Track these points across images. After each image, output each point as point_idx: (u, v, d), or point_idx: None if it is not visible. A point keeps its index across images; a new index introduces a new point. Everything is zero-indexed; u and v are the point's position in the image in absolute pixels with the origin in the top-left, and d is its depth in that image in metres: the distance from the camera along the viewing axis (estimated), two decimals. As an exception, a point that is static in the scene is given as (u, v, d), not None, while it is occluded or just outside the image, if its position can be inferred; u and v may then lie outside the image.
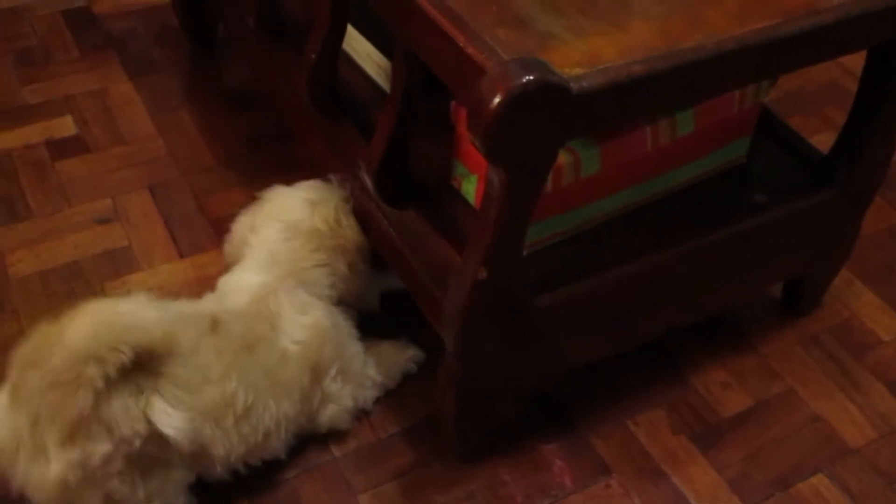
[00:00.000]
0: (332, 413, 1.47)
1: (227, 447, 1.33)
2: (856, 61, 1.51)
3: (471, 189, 1.45)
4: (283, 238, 1.49)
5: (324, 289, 1.48)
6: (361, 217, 1.51)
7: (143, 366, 1.22)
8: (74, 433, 1.19)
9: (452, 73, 1.19)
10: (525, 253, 1.31)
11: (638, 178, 1.47)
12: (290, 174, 1.93)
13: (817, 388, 1.65)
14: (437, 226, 1.44)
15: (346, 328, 1.49)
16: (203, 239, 1.83)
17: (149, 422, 1.22)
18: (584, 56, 1.15)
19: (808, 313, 1.75)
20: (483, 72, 1.10)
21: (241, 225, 1.56)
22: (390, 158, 1.42)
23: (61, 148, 1.98)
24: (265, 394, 1.36)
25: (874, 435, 1.59)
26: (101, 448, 1.20)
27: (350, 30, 1.61)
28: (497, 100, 1.07)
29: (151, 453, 1.24)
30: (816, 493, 1.51)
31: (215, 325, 1.35)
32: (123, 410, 1.20)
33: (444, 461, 1.50)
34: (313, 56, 1.52)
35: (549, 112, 1.11)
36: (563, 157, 1.33)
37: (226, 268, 1.54)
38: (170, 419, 1.23)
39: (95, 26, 2.27)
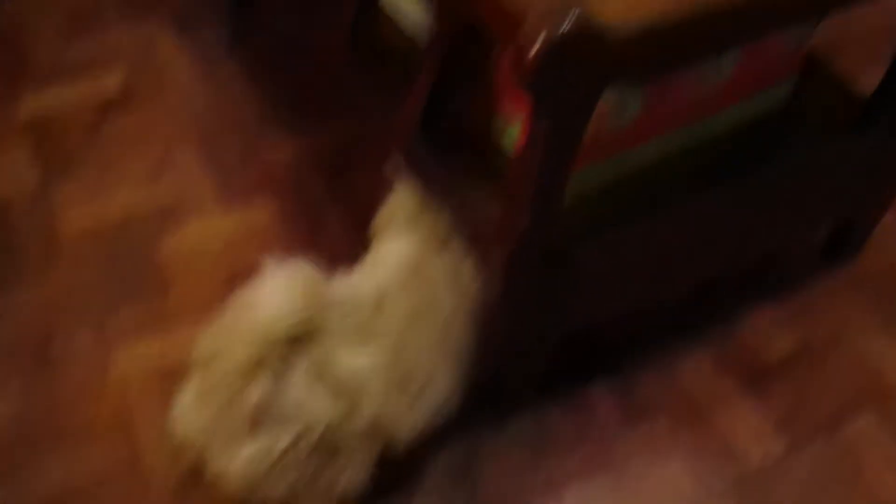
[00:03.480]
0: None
1: (406, 423, 1.35)
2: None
3: (511, 138, 1.46)
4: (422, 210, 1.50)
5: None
6: (407, 165, 1.52)
7: (316, 345, 1.25)
8: (258, 424, 1.23)
9: (494, 21, 1.19)
10: (567, 201, 1.31)
11: (680, 123, 1.46)
12: (337, 126, 1.96)
13: (863, 330, 1.65)
14: (479, 175, 1.44)
15: None
16: (251, 190, 1.85)
17: (329, 407, 1.25)
18: (625, 2, 1.15)
19: (853, 256, 1.74)
20: (524, 18, 1.10)
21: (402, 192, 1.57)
22: (432, 109, 1.42)
23: (109, 105, 2.01)
24: (437, 363, 1.37)
25: (921, 376, 1.59)
26: (285, 439, 1.23)
27: (390, -21, 1.61)
28: (538, 46, 1.07)
29: (334, 439, 1.27)
30: (863, 434, 1.52)
31: (379, 304, 1.35)
32: (303, 400, 1.23)
33: (492, 402, 1.52)
34: (354, 5, 1.52)
35: (590, 58, 1.11)
36: (604, 104, 1.33)
37: (372, 236, 1.54)
38: (356, 365, 1.27)
39: (140, -19, 2.29)
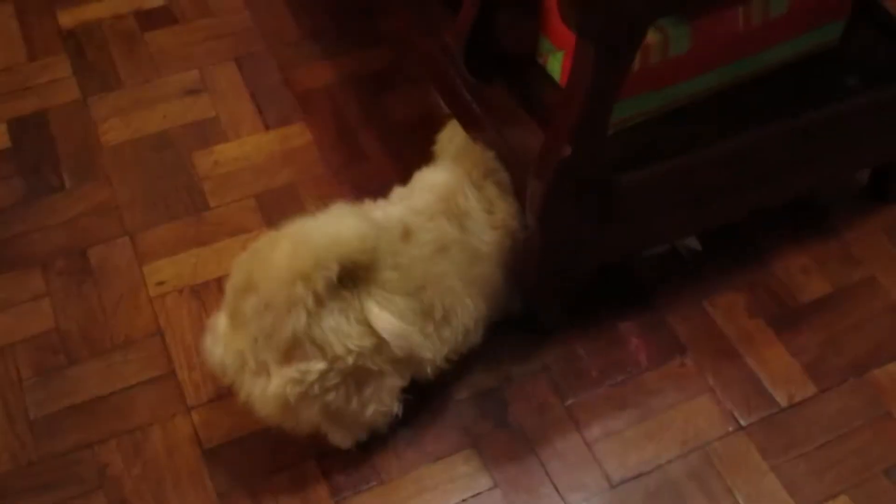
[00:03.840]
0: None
1: (432, 350, 1.36)
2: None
3: (557, 65, 1.45)
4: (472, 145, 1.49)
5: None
6: (446, 91, 1.51)
7: (350, 279, 1.25)
8: (290, 352, 1.24)
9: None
10: (610, 131, 1.31)
11: (728, 58, 1.45)
12: (375, 49, 1.95)
13: (898, 276, 1.64)
14: (522, 102, 1.44)
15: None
16: (288, 111, 1.85)
17: (360, 337, 1.25)
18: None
19: (893, 201, 1.73)
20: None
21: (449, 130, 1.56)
22: (478, 32, 1.41)
23: (150, 18, 2.00)
24: (462, 295, 1.38)
25: (955, 324, 1.59)
26: (317, 366, 1.25)
27: None
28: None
29: (365, 366, 1.28)
30: (892, 379, 1.52)
31: (407, 233, 1.35)
32: (335, 329, 1.24)
33: (521, 334, 1.53)
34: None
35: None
36: (652, 35, 1.32)
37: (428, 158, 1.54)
38: (387, 322, 1.27)
39: None
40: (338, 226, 1.27)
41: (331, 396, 1.28)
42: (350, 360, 1.25)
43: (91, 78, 1.89)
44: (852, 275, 1.64)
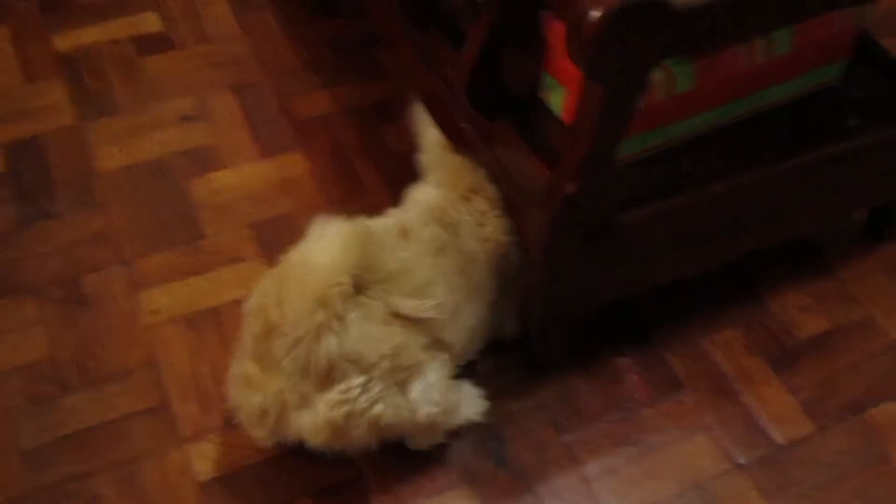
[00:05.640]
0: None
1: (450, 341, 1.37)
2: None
3: (559, 101, 1.44)
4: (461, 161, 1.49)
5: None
6: (448, 129, 1.51)
7: (364, 285, 1.25)
8: (329, 377, 1.24)
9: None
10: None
11: (731, 96, 1.45)
12: (374, 81, 1.95)
13: (896, 315, 1.64)
14: (525, 138, 1.43)
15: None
16: (286, 140, 1.84)
17: (389, 337, 1.26)
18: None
19: (891, 240, 1.73)
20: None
21: (434, 140, 1.56)
22: (481, 68, 1.41)
23: (147, 44, 2.00)
24: (465, 293, 1.38)
25: (952, 365, 1.59)
26: (356, 380, 1.24)
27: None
28: (597, 14, 1.06)
29: (402, 364, 1.28)
30: (890, 419, 1.51)
31: (404, 232, 1.37)
32: (363, 338, 1.24)
33: (521, 372, 1.53)
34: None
35: (648, 29, 1.10)
36: (657, 74, 1.32)
37: (420, 178, 1.54)
38: (419, 305, 1.29)
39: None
40: (334, 240, 1.26)
41: (378, 408, 1.27)
42: (386, 363, 1.26)
43: (87, 103, 1.88)
44: (850, 314, 1.64)
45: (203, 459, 1.42)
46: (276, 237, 1.69)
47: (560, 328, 1.48)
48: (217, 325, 1.57)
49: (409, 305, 1.29)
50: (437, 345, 1.34)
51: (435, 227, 1.40)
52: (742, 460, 1.46)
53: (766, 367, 1.57)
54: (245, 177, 1.78)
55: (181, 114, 1.88)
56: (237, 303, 1.58)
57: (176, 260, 1.65)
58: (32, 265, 1.63)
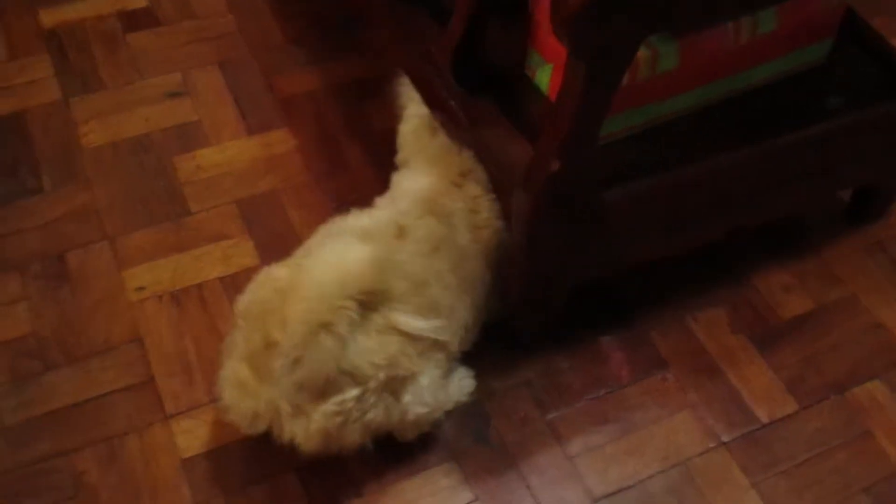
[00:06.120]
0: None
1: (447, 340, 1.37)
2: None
3: (545, 78, 1.44)
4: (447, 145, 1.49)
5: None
6: (433, 107, 1.50)
7: (369, 308, 1.25)
8: (325, 390, 1.24)
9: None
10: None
11: (715, 75, 1.45)
12: (359, 58, 1.94)
13: (879, 295, 1.64)
14: (509, 114, 1.43)
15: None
16: (271, 117, 1.84)
17: (383, 347, 1.26)
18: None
19: (875, 220, 1.74)
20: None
21: (416, 123, 1.55)
22: (466, 44, 1.40)
23: (133, 20, 1.99)
24: (458, 290, 1.38)
25: (934, 344, 1.59)
26: (351, 393, 1.24)
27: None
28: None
29: (398, 375, 1.28)
30: (872, 398, 1.52)
31: (401, 231, 1.36)
32: (359, 351, 1.24)
33: (503, 348, 1.53)
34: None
35: (632, 4, 1.10)
36: (641, 52, 1.31)
37: (398, 166, 1.54)
38: (425, 325, 1.29)
39: None
40: (344, 262, 1.26)
41: (370, 415, 1.28)
42: (381, 375, 1.26)
43: (72, 79, 1.87)
44: (833, 293, 1.64)
45: (187, 435, 1.42)
46: (260, 215, 1.69)
47: (543, 306, 1.48)
48: (202, 301, 1.57)
49: (415, 326, 1.29)
50: (433, 348, 1.34)
51: (430, 220, 1.39)
52: (725, 438, 1.46)
53: (750, 345, 1.57)
54: (230, 153, 1.78)
55: (166, 90, 1.87)
56: (222, 280, 1.59)
57: (160, 236, 1.65)
58: (15, 241, 1.63)
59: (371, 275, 1.25)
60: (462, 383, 1.44)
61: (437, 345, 1.35)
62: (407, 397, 1.31)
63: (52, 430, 1.42)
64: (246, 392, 1.27)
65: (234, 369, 1.29)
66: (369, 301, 1.25)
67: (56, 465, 1.39)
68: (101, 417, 1.44)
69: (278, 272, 1.31)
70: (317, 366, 1.21)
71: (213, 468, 1.40)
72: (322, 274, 1.25)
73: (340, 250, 1.28)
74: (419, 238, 1.36)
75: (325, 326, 1.20)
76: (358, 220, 1.39)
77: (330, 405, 1.25)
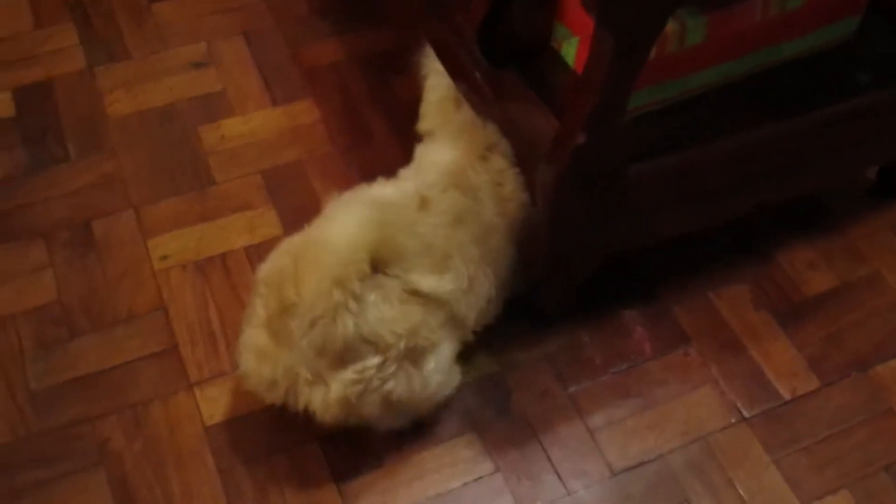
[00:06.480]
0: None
1: (464, 311, 1.37)
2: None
3: (571, 51, 1.44)
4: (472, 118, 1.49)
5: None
6: (457, 73, 1.50)
7: (381, 264, 1.25)
8: (344, 357, 1.24)
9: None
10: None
11: (743, 50, 1.44)
12: (384, 29, 1.93)
13: (903, 273, 1.64)
14: (535, 87, 1.43)
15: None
16: (296, 88, 1.84)
17: (406, 316, 1.26)
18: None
19: (901, 199, 1.73)
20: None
21: (440, 96, 1.55)
22: (493, 16, 1.40)
23: (158, -13, 1.99)
24: (481, 263, 1.38)
25: (958, 323, 1.59)
26: (372, 361, 1.25)
27: None
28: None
29: (418, 345, 1.28)
30: (894, 376, 1.52)
31: (424, 202, 1.36)
32: (381, 319, 1.24)
33: (525, 322, 1.53)
34: None
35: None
36: (669, 25, 1.31)
37: (421, 138, 1.54)
38: (439, 283, 1.29)
39: None
40: (350, 219, 1.26)
41: (390, 385, 1.28)
42: (402, 343, 1.26)
43: (97, 48, 1.87)
44: (858, 270, 1.63)
45: (210, 403, 1.44)
46: (285, 185, 1.69)
47: (566, 280, 1.48)
48: (226, 271, 1.58)
49: (428, 283, 1.29)
50: (452, 321, 1.34)
51: (454, 193, 1.39)
52: (746, 414, 1.47)
53: (773, 322, 1.57)
54: (255, 124, 1.78)
55: (191, 60, 1.87)
56: (246, 249, 1.60)
57: (185, 206, 1.66)
58: (41, 209, 1.64)
59: (380, 232, 1.25)
60: (451, 377, 1.43)
61: (454, 319, 1.35)
62: (430, 365, 1.31)
63: (77, 397, 1.43)
64: (264, 358, 1.28)
65: (252, 335, 1.30)
66: (382, 260, 1.24)
67: (81, 432, 1.40)
68: (125, 385, 1.45)
69: (294, 238, 1.32)
70: (333, 326, 1.21)
71: (236, 436, 1.41)
72: (332, 234, 1.25)
73: (351, 212, 1.27)
74: (442, 210, 1.36)
75: (339, 283, 1.20)
76: (382, 189, 1.39)
77: (349, 373, 1.25)
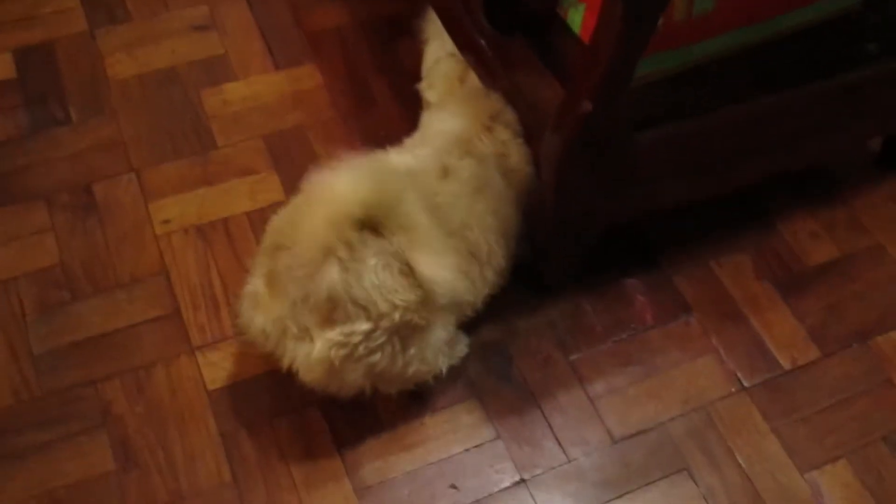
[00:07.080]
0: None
1: (474, 294, 1.37)
2: None
3: (577, 19, 1.43)
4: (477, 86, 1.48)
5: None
6: (462, 40, 1.49)
7: (386, 228, 1.23)
8: (332, 315, 1.22)
9: None
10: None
11: (750, 19, 1.43)
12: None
13: (906, 245, 1.64)
14: (541, 54, 1.42)
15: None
16: (299, 52, 1.83)
17: (406, 290, 1.23)
18: None
19: (904, 170, 1.73)
20: None
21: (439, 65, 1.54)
22: (499, -17, 1.39)
23: (159, -50, 1.97)
24: (498, 233, 1.38)
25: (959, 295, 1.59)
26: (361, 327, 1.23)
27: None
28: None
29: (411, 321, 1.26)
30: (894, 347, 1.52)
31: (445, 171, 1.35)
32: (378, 286, 1.21)
33: (529, 290, 1.53)
34: None
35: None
36: (677, -7, 1.30)
37: (422, 96, 1.54)
38: (438, 275, 1.25)
39: None
40: (350, 172, 1.25)
41: (376, 357, 1.26)
42: (396, 316, 1.23)
43: (98, 10, 1.86)
44: (860, 242, 1.64)
45: (213, 367, 1.44)
46: (287, 150, 1.68)
47: (569, 248, 1.48)
48: (227, 236, 1.57)
49: (430, 270, 1.25)
50: (453, 306, 1.33)
51: (471, 161, 1.38)
52: (746, 383, 1.47)
53: (774, 292, 1.57)
54: (257, 88, 1.77)
55: (193, 23, 1.86)
56: (248, 214, 1.60)
57: (187, 170, 1.65)
58: (42, 171, 1.63)
59: (371, 179, 1.22)
60: (457, 349, 1.44)
61: (455, 307, 1.34)
62: (413, 350, 1.29)
63: (79, 360, 1.43)
64: (259, 306, 1.27)
65: (253, 284, 1.29)
66: (380, 216, 1.22)
67: (84, 394, 1.41)
68: (128, 348, 1.45)
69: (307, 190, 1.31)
70: (320, 270, 1.19)
71: (238, 400, 1.42)
72: (326, 182, 1.23)
73: (350, 168, 1.25)
74: (463, 179, 1.36)
75: (331, 225, 1.19)
76: (401, 157, 1.39)
77: (336, 333, 1.23)
